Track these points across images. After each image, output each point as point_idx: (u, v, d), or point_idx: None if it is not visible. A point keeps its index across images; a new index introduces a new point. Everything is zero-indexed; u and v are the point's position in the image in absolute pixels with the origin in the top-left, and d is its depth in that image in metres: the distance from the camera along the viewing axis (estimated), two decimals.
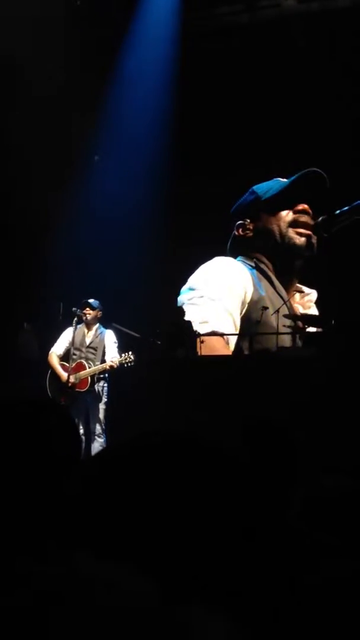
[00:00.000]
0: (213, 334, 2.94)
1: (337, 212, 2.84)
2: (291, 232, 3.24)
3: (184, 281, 3.42)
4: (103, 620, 0.52)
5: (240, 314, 3.14)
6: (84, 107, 5.75)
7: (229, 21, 5.77)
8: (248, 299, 3.16)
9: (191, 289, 3.22)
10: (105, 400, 5.72)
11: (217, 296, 3.09)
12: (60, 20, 5.42)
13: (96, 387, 5.73)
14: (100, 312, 5.92)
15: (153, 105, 5.84)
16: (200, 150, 5.78)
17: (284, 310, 3.06)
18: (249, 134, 5.58)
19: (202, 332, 2.86)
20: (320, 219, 3.01)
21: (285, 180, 3.32)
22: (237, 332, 3.05)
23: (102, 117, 5.94)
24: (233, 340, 3.06)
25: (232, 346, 3.03)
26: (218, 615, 0.58)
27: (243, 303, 3.13)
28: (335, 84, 5.42)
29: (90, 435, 5.79)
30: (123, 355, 5.57)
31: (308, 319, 3.01)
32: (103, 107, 5.92)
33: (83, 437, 5.81)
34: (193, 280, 3.27)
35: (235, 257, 3.45)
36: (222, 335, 2.89)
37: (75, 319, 5.75)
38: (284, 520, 1.20)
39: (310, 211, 3.21)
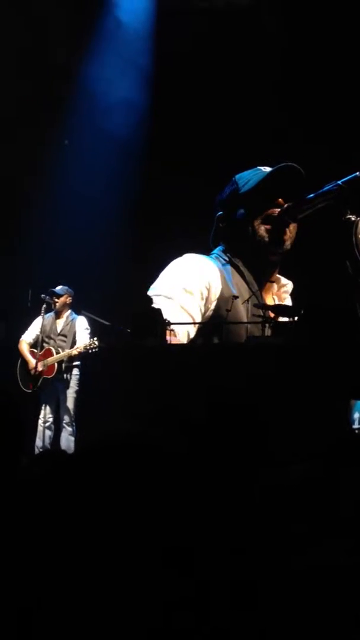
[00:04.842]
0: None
1: (304, 198, 2.83)
2: (262, 230, 3.21)
3: (156, 268, 3.41)
4: None
5: (206, 312, 3.14)
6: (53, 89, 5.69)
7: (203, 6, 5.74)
8: (214, 297, 3.15)
9: (152, 288, 3.23)
10: (77, 388, 5.69)
11: (173, 295, 3.09)
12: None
13: (66, 375, 5.69)
14: (70, 298, 5.86)
15: (124, 90, 5.80)
16: (173, 136, 5.74)
17: (254, 302, 3.05)
18: (223, 121, 5.56)
19: None
20: (285, 206, 3.00)
21: (266, 169, 3.29)
22: (198, 329, 3.05)
23: (72, 100, 5.88)
24: (192, 333, 3.07)
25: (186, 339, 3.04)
26: None
27: (207, 300, 3.12)
28: (304, 72, 5.43)
29: (59, 424, 5.76)
30: (88, 341, 5.53)
31: (278, 309, 3.01)
32: (73, 90, 5.86)
33: (52, 426, 5.78)
34: (157, 279, 3.28)
35: (214, 249, 3.44)
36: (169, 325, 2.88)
37: (44, 306, 5.69)
38: (251, 501, 1.19)
39: (284, 205, 3.18)
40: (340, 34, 5.26)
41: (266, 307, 3.02)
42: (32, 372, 5.63)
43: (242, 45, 5.51)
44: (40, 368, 5.65)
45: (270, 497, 1.27)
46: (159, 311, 2.90)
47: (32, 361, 5.70)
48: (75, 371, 5.70)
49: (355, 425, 3.44)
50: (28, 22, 5.44)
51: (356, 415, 3.57)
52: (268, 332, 2.95)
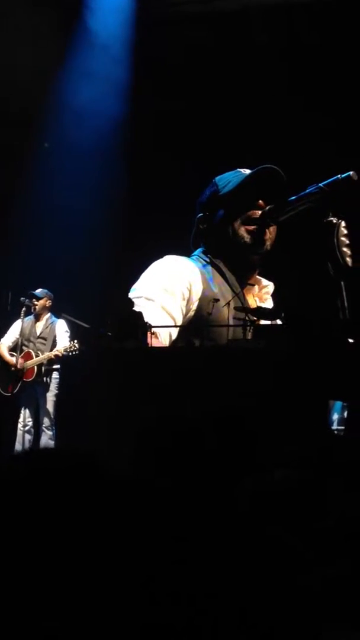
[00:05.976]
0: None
1: (285, 201, 2.83)
2: (242, 230, 3.20)
3: (137, 270, 3.40)
4: None
5: (187, 312, 3.13)
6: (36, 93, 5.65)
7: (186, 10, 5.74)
8: (196, 297, 3.14)
9: (133, 290, 3.21)
10: (56, 392, 5.66)
11: (154, 296, 3.08)
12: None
13: (46, 378, 5.65)
14: (50, 301, 5.82)
15: (106, 94, 5.78)
16: (153, 140, 5.74)
17: (236, 304, 3.04)
18: (205, 124, 5.57)
19: None
20: (267, 207, 3.00)
21: (246, 171, 3.30)
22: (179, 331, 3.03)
23: (52, 104, 5.85)
24: (175, 335, 3.05)
25: (168, 341, 3.03)
26: None
27: (188, 301, 3.11)
28: (290, 79, 5.45)
29: (39, 428, 5.71)
30: (69, 343, 5.50)
31: (259, 312, 3.00)
32: (53, 94, 5.83)
33: (32, 430, 5.73)
34: (138, 281, 3.26)
35: (194, 250, 3.44)
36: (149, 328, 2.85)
37: (24, 309, 5.65)
38: (234, 514, 1.17)
39: (265, 207, 3.19)
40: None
41: (248, 310, 3.01)
42: (14, 368, 5.58)
43: (225, 52, 5.53)
44: (20, 367, 5.60)
45: (252, 503, 1.25)
46: (139, 314, 2.87)
47: (12, 360, 5.65)
48: (55, 374, 5.66)
49: (334, 427, 3.45)
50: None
51: (335, 417, 3.57)
52: (249, 334, 2.94)
